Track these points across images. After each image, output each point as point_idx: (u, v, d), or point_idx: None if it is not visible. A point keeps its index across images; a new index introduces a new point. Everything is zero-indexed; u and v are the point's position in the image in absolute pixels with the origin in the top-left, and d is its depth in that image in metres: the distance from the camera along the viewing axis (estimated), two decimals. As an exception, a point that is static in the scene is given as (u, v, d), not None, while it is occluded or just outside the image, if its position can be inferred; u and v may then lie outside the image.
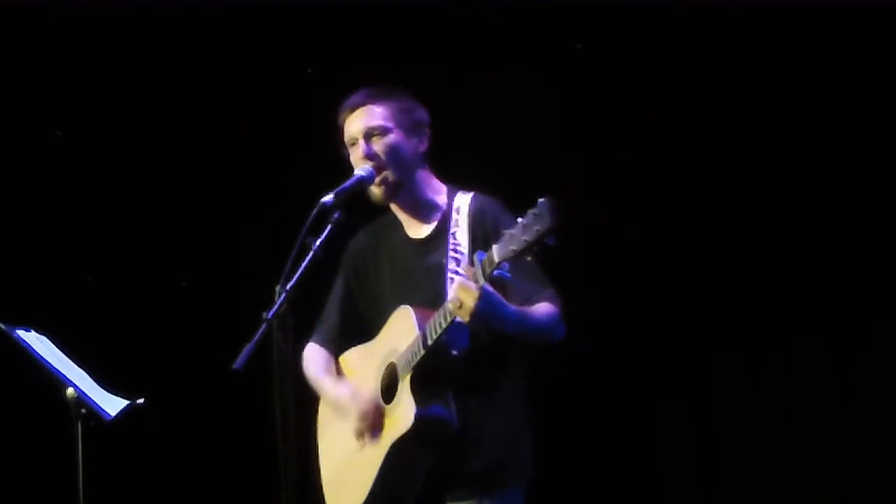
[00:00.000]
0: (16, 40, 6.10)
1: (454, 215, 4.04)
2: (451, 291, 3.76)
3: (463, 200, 4.07)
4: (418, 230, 4.14)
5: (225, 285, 6.16)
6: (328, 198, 3.90)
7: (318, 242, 3.83)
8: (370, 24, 5.96)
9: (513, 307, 3.84)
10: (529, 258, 3.59)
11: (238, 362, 3.66)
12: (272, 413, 3.75)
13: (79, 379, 4.94)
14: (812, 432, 5.68)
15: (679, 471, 5.95)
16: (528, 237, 3.54)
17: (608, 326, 5.76)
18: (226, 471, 6.23)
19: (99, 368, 5.03)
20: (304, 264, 3.80)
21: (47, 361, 4.92)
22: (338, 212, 3.89)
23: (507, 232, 3.60)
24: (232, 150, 6.23)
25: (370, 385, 4.07)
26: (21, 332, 4.96)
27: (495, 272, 3.68)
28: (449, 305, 3.77)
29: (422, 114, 4.15)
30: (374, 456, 3.99)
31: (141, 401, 5.00)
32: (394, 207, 4.17)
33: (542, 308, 3.91)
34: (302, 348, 4.22)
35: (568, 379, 5.60)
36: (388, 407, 3.99)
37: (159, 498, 6.26)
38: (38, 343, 4.97)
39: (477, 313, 3.73)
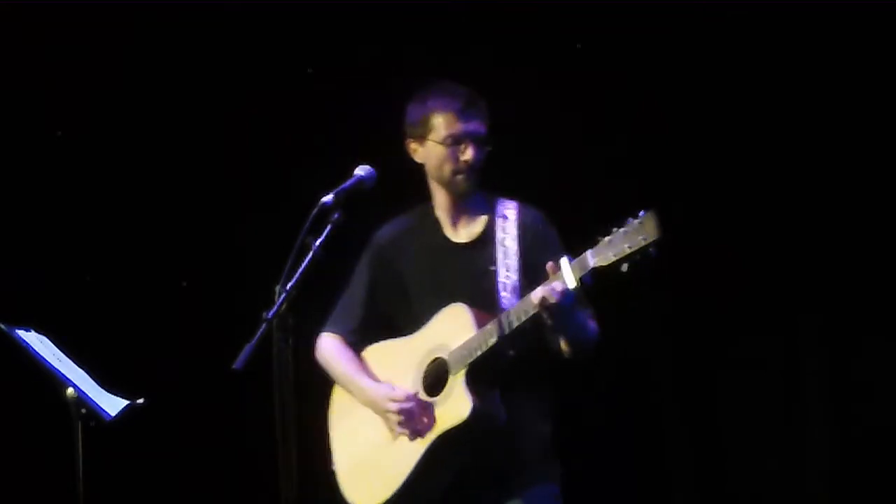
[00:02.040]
0: (16, 40, 6.10)
1: (500, 222, 4.13)
2: (540, 290, 3.82)
3: (509, 209, 4.17)
4: (460, 234, 4.22)
5: (225, 285, 6.16)
6: (328, 198, 3.91)
7: (318, 242, 3.84)
8: (370, 23, 5.96)
9: (581, 313, 3.97)
10: (625, 267, 3.65)
11: (238, 362, 3.67)
12: (272, 413, 3.75)
13: (79, 379, 4.93)
14: (813, 432, 5.68)
15: (679, 471, 5.95)
16: (631, 244, 3.61)
17: (607, 327, 5.75)
18: (226, 471, 6.23)
19: (99, 368, 5.02)
20: (304, 264, 3.80)
21: (47, 361, 4.92)
22: (338, 212, 3.90)
23: (605, 238, 3.68)
24: (232, 150, 6.23)
25: (407, 380, 4.12)
26: (21, 332, 4.95)
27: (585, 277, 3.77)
28: (534, 302, 3.83)
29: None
30: (413, 448, 4.05)
31: (141, 401, 5.00)
32: (438, 206, 4.23)
33: (592, 322, 4.08)
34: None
35: (567, 379, 5.59)
36: (436, 400, 4.04)
37: (159, 498, 6.26)
38: (38, 343, 4.97)
39: (560, 314, 3.84)
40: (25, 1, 6.04)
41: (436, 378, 4.07)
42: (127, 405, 4.96)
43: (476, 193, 4.20)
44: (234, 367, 3.67)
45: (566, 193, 5.59)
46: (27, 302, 5.57)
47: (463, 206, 4.20)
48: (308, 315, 3.87)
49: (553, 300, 3.81)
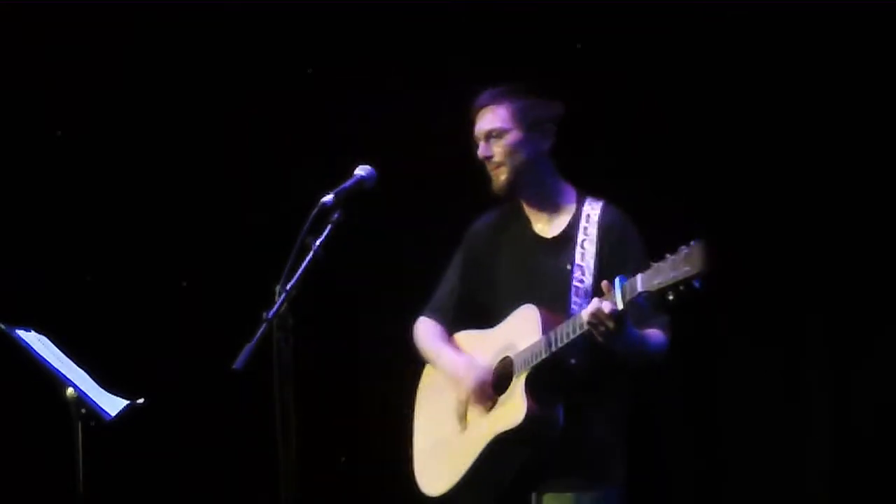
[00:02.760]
0: (16, 40, 6.10)
1: (583, 222, 4.18)
2: (590, 308, 3.85)
3: (593, 208, 4.21)
4: (545, 228, 4.28)
5: (225, 285, 6.16)
6: (328, 198, 3.92)
7: (318, 242, 3.84)
8: (369, 24, 5.96)
9: (636, 332, 3.98)
10: (671, 296, 3.68)
11: (238, 362, 3.67)
12: (272, 413, 3.75)
13: (79, 379, 4.93)
14: (813, 433, 5.67)
15: (679, 471, 5.95)
16: (676, 274, 3.64)
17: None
18: (226, 471, 6.23)
19: (99, 368, 5.02)
20: (304, 264, 3.81)
21: (47, 361, 4.92)
22: (338, 212, 3.90)
23: (656, 264, 3.72)
24: (232, 150, 6.23)
25: (484, 371, 4.19)
26: (21, 332, 4.95)
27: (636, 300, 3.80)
28: (584, 320, 3.87)
29: (548, 112, 4.27)
30: (475, 443, 4.13)
31: (141, 401, 5.00)
32: (524, 204, 4.31)
33: (656, 335, 4.08)
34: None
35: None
36: (499, 398, 4.12)
37: (159, 498, 6.26)
38: (38, 343, 4.97)
39: (608, 334, 3.86)
40: (25, 1, 6.04)
41: (503, 376, 4.14)
42: (127, 405, 4.96)
43: (565, 188, 4.27)
44: (234, 367, 3.67)
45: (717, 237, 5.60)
46: (27, 302, 5.57)
47: (549, 202, 4.27)
48: (308, 315, 3.86)
49: (601, 319, 3.84)
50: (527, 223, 4.31)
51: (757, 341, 5.76)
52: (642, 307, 3.88)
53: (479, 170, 4.37)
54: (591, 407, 4.11)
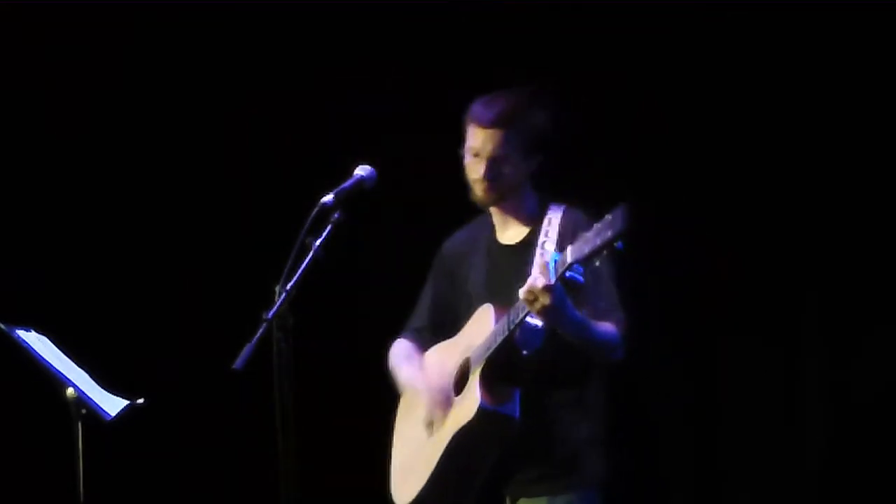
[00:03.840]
0: (16, 40, 6.10)
1: (545, 226, 4.15)
2: (526, 285, 3.85)
3: (555, 213, 4.18)
4: (509, 236, 4.26)
5: (225, 285, 6.16)
6: (328, 198, 3.91)
7: (318, 242, 3.84)
8: (369, 24, 5.96)
9: (578, 313, 3.95)
10: (598, 262, 3.71)
11: (238, 362, 3.68)
12: (272, 413, 3.75)
13: (79, 379, 4.93)
14: (812, 431, 5.68)
15: (679, 471, 5.95)
16: (599, 240, 3.65)
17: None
18: (226, 471, 6.23)
19: (99, 368, 5.03)
20: (304, 264, 3.81)
21: (47, 361, 4.92)
22: (338, 212, 3.90)
23: (583, 234, 3.72)
24: (232, 150, 6.23)
25: (445, 376, 4.19)
26: (21, 332, 4.96)
27: (567, 273, 3.79)
28: (520, 294, 3.86)
29: (546, 128, 4.21)
30: (437, 446, 4.11)
31: (141, 401, 5.00)
32: (493, 210, 4.28)
33: (606, 325, 4.05)
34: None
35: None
36: (456, 398, 4.12)
37: (159, 498, 6.26)
38: (38, 343, 4.97)
39: (546, 309, 3.84)
40: (26, 1, 6.04)
41: (463, 375, 4.13)
42: (127, 405, 4.96)
43: (532, 196, 4.24)
44: (234, 367, 3.67)
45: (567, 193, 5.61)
46: (27, 302, 5.57)
47: (513, 210, 4.24)
48: (308, 315, 3.86)
49: (536, 294, 3.82)
50: (493, 232, 4.29)
51: (755, 341, 5.76)
52: (579, 283, 3.83)
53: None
54: (562, 406, 4.09)
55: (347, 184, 3.98)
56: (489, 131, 4.15)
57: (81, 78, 6.14)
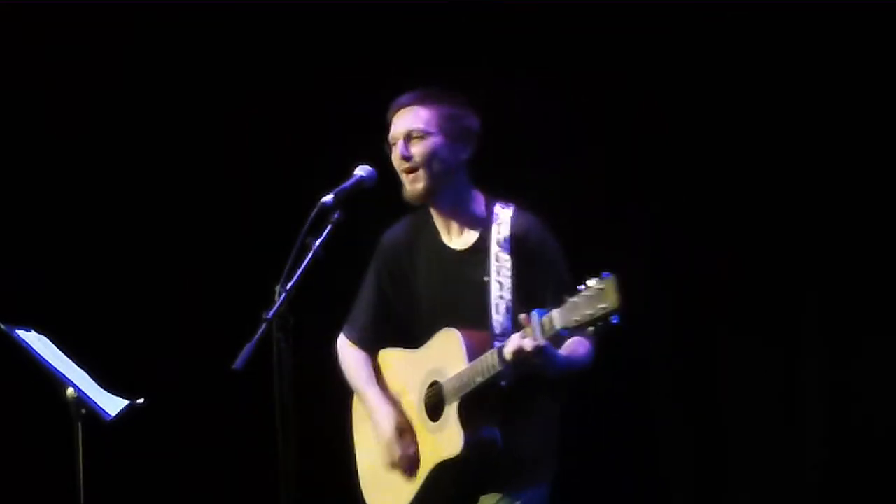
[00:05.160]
0: (16, 40, 6.10)
1: (494, 232, 4.05)
2: (511, 347, 3.81)
3: (504, 215, 4.08)
4: (457, 240, 4.16)
5: (225, 285, 6.16)
6: (328, 198, 3.91)
7: (318, 242, 3.84)
8: (370, 24, 5.96)
9: (562, 356, 3.91)
10: (591, 329, 3.67)
11: (238, 362, 3.68)
12: (272, 413, 3.75)
13: (79, 379, 4.94)
14: (812, 431, 5.68)
15: (678, 470, 5.95)
16: (591, 312, 3.62)
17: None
18: (226, 471, 6.23)
19: (99, 368, 5.02)
20: (304, 264, 3.81)
21: (47, 361, 4.92)
22: (338, 212, 3.90)
23: (570, 301, 3.67)
24: (232, 150, 6.23)
25: (413, 396, 4.14)
26: (21, 332, 4.96)
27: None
28: (507, 355, 3.83)
29: (472, 122, 4.14)
30: (416, 472, 4.10)
31: (141, 401, 5.00)
32: (434, 213, 4.18)
33: (582, 348, 4.00)
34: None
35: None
36: (434, 425, 4.07)
37: (159, 498, 6.26)
38: (38, 343, 4.97)
39: (533, 367, 3.84)
40: (26, 1, 6.04)
41: (437, 402, 4.07)
42: (127, 405, 4.96)
43: (475, 195, 4.15)
44: (234, 367, 3.67)
45: (565, 195, 5.61)
46: (27, 302, 5.57)
47: (460, 210, 4.14)
48: (308, 315, 3.86)
49: (525, 356, 3.80)
50: (436, 233, 4.18)
51: (755, 341, 5.76)
52: (564, 336, 3.81)
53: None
54: (525, 418, 4.04)
55: (347, 184, 3.98)
56: (409, 108, 4.10)
57: (81, 78, 6.14)
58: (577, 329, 3.69)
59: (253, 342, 3.70)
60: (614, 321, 3.60)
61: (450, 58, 5.77)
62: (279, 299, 3.75)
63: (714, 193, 5.73)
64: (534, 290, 3.97)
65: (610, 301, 3.58)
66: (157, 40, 6.15)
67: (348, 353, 4.37)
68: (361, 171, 4.04)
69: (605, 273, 3.61)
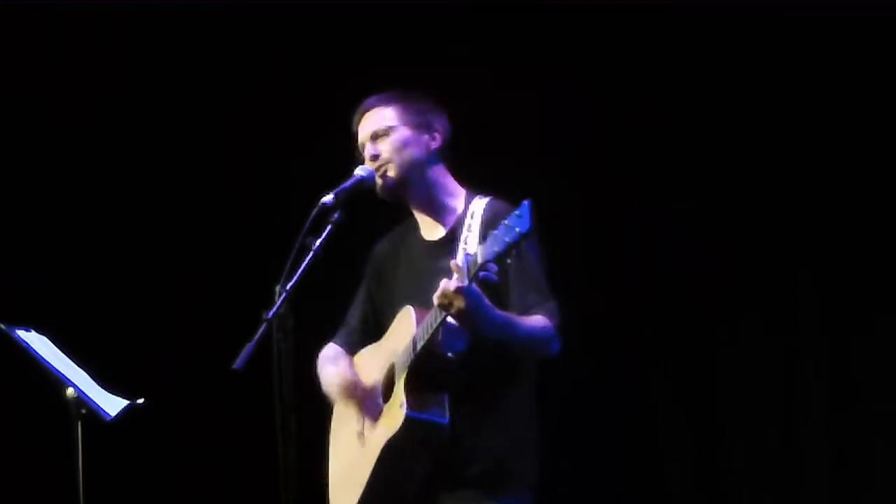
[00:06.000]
0: (16, 40, 6.10)
1: (468, 220, 4.00)
2: (438, 290, 3.74)
3: (478, 205, 4.03)
4: (432, 232, 4.13)
5: (225, 285, 6.16)
6: (328, 198, 3.91)
7: (318, 242, 3.84)
8: (370, 24, 5.96)
9: (500, 312, 3.82)
10: (510, 260, 3.61)
11: (238, 362, 3.68)
12: (272, 413, 3.75)
13: (79, 379, 4.94)
14: (812, 431, 5.68)
15: (679, 471, 5.95)
16: (508, 238, 3.56)
17: (607, 326, 5.77)
18: (226, 471, 6.23)
19: (99, 368, 5.03)
20: (304, 264, 3.81)
21: (47, 361, 4.93)
22: (338, 212, 3.90)
23: (492, 232, 3.61)
24: (232, 150, 6.23)
25: (373, 382, 4.07)
26: (21, 332, 4.96)
27: (481, 273, 3.68)
28: (434, 300, 3.75)
29: (434, 113, 4.14)
30: (369, 455, 3.99)
31: (141, 401, 5.01)
32: (412, 208, 4.16)
33: (535, 320, 3.90)
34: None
35: (564, 378, 5.59)
36: (385, 405, 3.99)
37: (159, 498, 6.26)
38: (38, 343, 4.97)
39: (461, 312, 3.73)
40: (26, 1, 6.04)
41: (390, 382, 4.00)
42: (127, 405, 4.97)
43: (455, 189, 4.13)
44: (234, 367, 3.67)
45: (565, 195, 5.61)
46: (27, 302, 5.57)
47: (437, 204, 4.11)
48: (308, 315, 3.86)
49: (450, 298, 3.72)
50: (418, 230, 4.16)
51: (754, 340, 5.77)
52: (492, 281, 3.72)
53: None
54: (485, 407, 3.95)
55: (347, 184, 3.99)
56: (370, 111, 4.12)
57: (81, 78, 6.14)
58: (500, 259, 3.60)
59: (253, 342, 3.70)
60: (527, 245, 3.60)
61: (450, 58, 5.78)
62: (279, 299, 3.75)
63: (714, 193, 5.73)
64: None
65: (523, 224, 3.53)
66: (157, 40, 6.15)
67: (324, 350, 4.29)
68: (361, 171, 4.04)
69: (524, 201, 3.56)
